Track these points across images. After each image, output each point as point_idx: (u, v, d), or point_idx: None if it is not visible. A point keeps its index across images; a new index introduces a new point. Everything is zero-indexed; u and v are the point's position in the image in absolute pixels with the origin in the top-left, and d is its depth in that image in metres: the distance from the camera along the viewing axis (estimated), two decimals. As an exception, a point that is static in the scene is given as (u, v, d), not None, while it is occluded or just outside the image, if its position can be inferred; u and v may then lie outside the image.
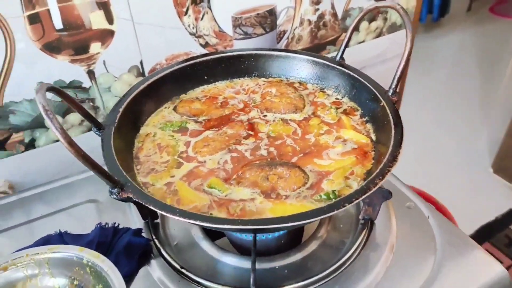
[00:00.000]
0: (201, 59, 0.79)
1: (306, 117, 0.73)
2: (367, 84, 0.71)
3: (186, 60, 0.78)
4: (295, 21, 1.05)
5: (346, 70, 0.75)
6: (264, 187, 0.59)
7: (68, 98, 0.56)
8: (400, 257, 0.67)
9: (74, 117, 0.87)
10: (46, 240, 0.67)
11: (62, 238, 0.68)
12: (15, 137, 0.84)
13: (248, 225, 0.46)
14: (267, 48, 0.82)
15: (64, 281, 0.60)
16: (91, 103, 0.88)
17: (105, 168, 0.54)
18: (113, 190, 0.52)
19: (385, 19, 1.23)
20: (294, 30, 1.06)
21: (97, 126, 0.62)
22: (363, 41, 1.23)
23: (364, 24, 1.20)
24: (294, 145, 0.67)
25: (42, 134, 0.86)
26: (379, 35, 1.25)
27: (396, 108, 0.65)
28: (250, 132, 0.69)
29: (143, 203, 0.51)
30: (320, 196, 0.57)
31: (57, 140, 0.88)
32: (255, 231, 0.54)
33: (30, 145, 0.86)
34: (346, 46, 0.77)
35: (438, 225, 0.72)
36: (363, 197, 0.50)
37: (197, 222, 0.48)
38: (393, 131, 0.61)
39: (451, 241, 0.68)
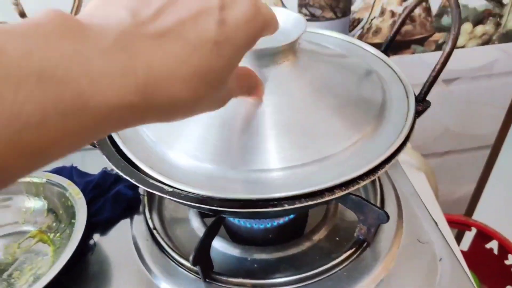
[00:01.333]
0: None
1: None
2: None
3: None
4: (373, 10, 0.94)
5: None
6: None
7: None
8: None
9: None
10: (60, 169, 0.75)
11: (71, 171, 0.74)
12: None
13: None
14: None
15: (44, 205, 0.66)
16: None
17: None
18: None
19: (498, 24, 1.02)
20: (371, 20, 0.96)
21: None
22: (463, 47, 1.04)
23: (466, 26, 1.01)
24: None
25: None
26: (486, 43, 1.05)
27: (415, 117, 0.54)
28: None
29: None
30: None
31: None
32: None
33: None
34: (392, 40, 0.66)
35: (450, 272, 0.59)
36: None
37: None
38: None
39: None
